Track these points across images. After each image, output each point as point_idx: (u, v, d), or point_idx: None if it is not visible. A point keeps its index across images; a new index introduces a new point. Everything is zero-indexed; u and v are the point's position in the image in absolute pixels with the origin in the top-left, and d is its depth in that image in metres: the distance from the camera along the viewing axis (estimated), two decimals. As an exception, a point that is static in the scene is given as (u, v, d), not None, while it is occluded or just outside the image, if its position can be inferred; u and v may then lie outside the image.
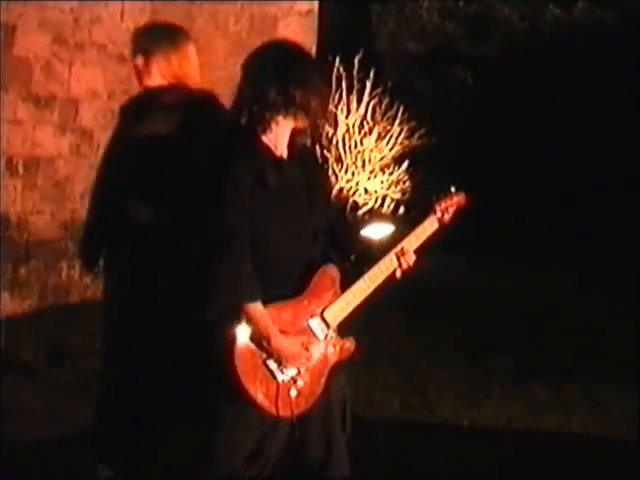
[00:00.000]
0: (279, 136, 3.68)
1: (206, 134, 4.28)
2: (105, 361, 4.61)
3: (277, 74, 3.61)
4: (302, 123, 3.69)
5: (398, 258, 3.79)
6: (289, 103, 3.62)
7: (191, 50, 4.58)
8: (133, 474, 4.42)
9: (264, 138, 3.66)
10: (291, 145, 3.72)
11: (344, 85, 10.59)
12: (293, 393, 3.62)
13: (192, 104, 4.45)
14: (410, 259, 3.80)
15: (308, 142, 3.89)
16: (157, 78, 4.50)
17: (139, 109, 4.50)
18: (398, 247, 3.80)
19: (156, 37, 4.57)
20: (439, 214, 3.92)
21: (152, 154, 4.38)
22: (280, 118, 3.64)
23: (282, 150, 3.70)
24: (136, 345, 4.37)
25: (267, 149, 3.65)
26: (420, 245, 3.88)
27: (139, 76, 4.56)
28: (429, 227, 3.91)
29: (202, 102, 4.48)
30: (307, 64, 3.72)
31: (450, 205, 3.96)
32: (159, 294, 4.30)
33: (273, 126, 3.65)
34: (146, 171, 4.38)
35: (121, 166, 4.45)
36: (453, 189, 4.00)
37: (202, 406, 3.86)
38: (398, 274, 3.80)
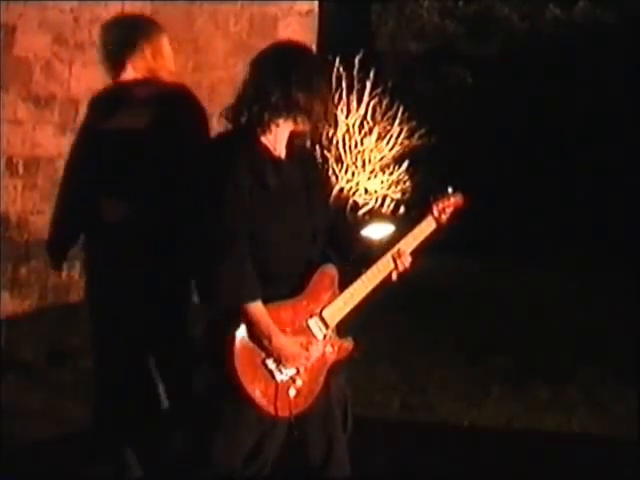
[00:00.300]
0: (278, 137, 3.69)
1: (180, 128, 4.26)
2: (94, 361, 4.61)
3: (281, 77, 3.61)
4: (303, 126, 3.70)
5: (394, 259, 3.80)
6: (292, 106, 3.62)
7: (164, 43, 4.50)
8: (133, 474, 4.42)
9: (263, 139, 3.66)
10: (290, 145, 3.73)
11: (344, 85, 10.59)
12: (292, 393, 3.63)
13: (165, 98, 4.37)
14: (406, 260, 3.82)
15: (307, 143, 3.90)
16: (130, 72, 4.42)
17: (110, 103, 4.42)
18: (395, 248, 3.81)
19: (128, 29, 4.49)
20: (436, 215, 3.94)
21: (125, 150, 4.29)
22: (281, 121, 3.65)
23: (281, 151, 3.71)
24: (117, 344, 4.35)
25: (266, 150, 3.66)
26: (418, 246, 3.89)
27: (111, 70, 4.47)
28: (426, 228, 3.92)
29: (176, 96, 4.40)
30: (312, 68, 3.71)
31: (447, 206, 3.97)
32: (135, 291, 4.27)
33: (273, 128, 3.65)
34: (118, 168, 4.30)
35: (91, 162, 4.38)
36: (450, 190, 4.01)
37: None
38: (394, 276, 3.81)
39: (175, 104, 4.36)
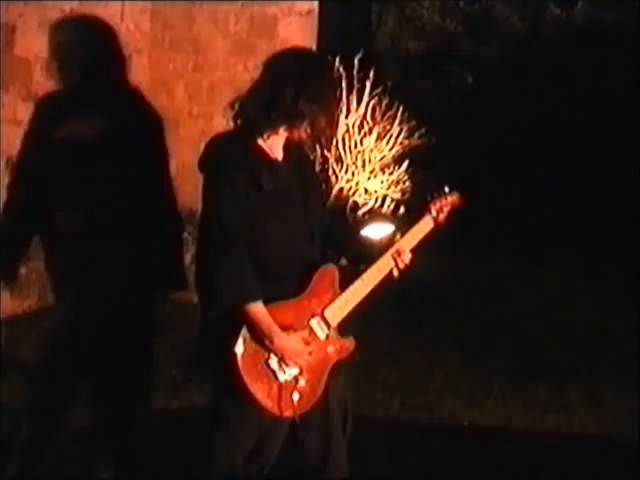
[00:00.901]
0: (275, 140, 3.70)
1: (135, 132, 4.15)
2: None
3: (291, 86, 3.60)
4: (303, 134, 3.71)
5: (394, 258, 3.81)
6: (298, 116, 3.63)
7: (116, 44, 4.29)
8: (133, 474, 4.42)
9: (260, 141, 3.67)
10: (286, 147, 3.73)
11: (344, 85, 10.58)
12: (296, 393, 3.63)
13: (118, 101, 4.22)
14: (406, 258, 3.83)
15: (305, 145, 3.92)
16: (79, 74, 4.21)
17: (58, 109, 4.22)
18: (394, 247, 3.83)
19: (79, 30, 4.32)
20: (434, 214, 3.95)
21: (79, 158, 4.12)
22: (283, 128, 3.66)
23: (277, 153, 3.72)
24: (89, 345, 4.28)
25: (262, 152, 3.67)
26: (416, 244, 3.91)
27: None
28: (425, 227, 3.94)
29: (129, 99, 4.27)
30: (324, 80, 3.72)
31: (445, 205, 3.99)
32: (102, 292, 4.19)
33: (272, 132, 3.66)
34: (72, 177, 4.14)
35: (43, 173, 4.18)
36: (447, 189, 4.03)
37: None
38: (395, 273, 3.82)
39: (128, 107, 4.23)
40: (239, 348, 3.55)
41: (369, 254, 3.88)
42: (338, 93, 10.45)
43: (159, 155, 4.32)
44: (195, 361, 3.93)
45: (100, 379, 4.37)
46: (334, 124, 10.01)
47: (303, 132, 3.70)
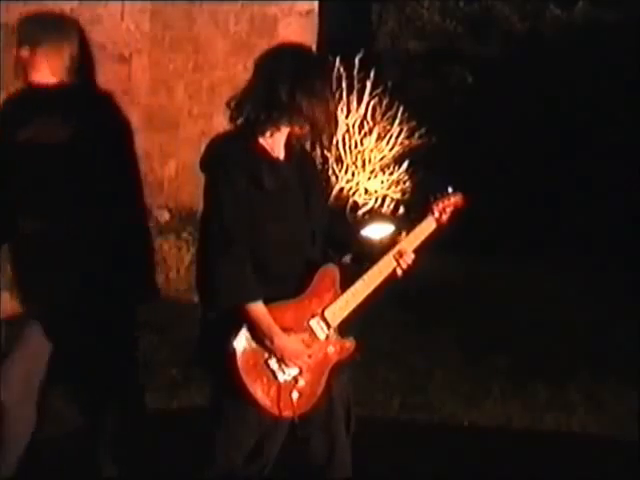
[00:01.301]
0: (276, 139, 3.69)
1: (102, 136, 4.05)
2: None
3: (288, 83, 3.60)
4: (303, 132, 3.70)
5: (397, 259, 3.81)
6: (297, 113, 3.62)
7: (86, 44, 4.18)
8: (133, 474, 4.42)
9: (261, 140, 3.66)
10: (288, 146, 3.73)
11: (344, 85, 10.58)
12: (295, 393, 3.63)
13: (86, 103, 4.10)
14: (409, 259, 3.83)
15: (307, 144, 3.91)
16: (46, 73, 4.09)
17: (23, 110, 4.10)
18: (396, 248, 3.82)
19: (45, 26, 4.17)
20: (437, 214, 3.95)
21: (43, 164, 4.01)
22: (284, 125, 3.66)
23: (279, 152, 3.71)
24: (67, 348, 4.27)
25: (264, 151, 3.66)
26: (418, 245, 3.90)
27: (24, 71, 4.12)
28: (427, 227, 3.94)
29: (97, 101, 4.16)
30: (319, 75, 3.71)
31: (447, 205, 3.98)
32: (73, 294, 4.12)
33: (274, 130, 3.65)
34: (36, 184, 4.02)
35: (5, 179, 4.07)
36: (450, 190, 4.02)
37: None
38: (399, 273, 3.82)
39: (96, 110, 4.13)
40: (239, 346, 3.55)
41: (369, 254, 3.88)
42: (338, 93, 10.47)
43: (126, 161, 4.21)
44: (195, 360, 3.93)
45: (80, 380, 4.39)
46: (334, 121, 10.01)
47: (305, 128, 3.68)
